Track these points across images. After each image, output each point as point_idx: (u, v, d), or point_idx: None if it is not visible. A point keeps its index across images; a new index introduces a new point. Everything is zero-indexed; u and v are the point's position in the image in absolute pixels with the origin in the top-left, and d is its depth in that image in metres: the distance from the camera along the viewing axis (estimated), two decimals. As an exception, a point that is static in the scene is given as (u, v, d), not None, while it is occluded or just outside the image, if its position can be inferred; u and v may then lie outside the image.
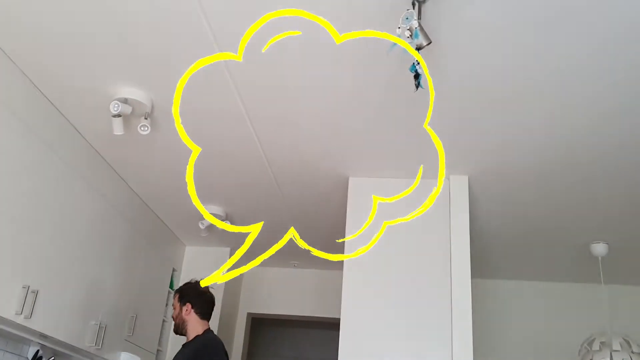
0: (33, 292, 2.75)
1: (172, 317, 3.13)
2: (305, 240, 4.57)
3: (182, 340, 3.10)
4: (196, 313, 3.04)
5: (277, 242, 4.66)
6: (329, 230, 4.27)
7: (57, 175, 2.98)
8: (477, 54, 2.34)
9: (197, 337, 3.00)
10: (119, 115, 2.76)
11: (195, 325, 3.03)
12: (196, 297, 3.08)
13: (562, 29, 2.17)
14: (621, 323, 4.57)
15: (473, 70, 2.45)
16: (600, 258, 4.13)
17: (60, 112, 2.97)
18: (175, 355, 2.99)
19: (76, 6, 2.23)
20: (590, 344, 3.95)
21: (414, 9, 1.97)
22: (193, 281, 3.20)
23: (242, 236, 4.57)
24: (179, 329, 3.07)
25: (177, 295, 3.13)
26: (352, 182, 3.52)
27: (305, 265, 5.19)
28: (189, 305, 3.05)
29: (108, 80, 2.69)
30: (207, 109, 2.87)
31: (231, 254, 4.87)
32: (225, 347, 4.81)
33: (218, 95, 2.75)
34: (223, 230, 4.22)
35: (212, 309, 3.14)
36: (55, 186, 2.97)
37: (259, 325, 6.60)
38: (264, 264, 5.26)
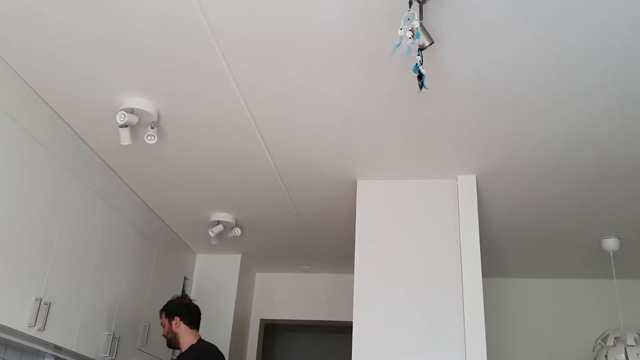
0: (46, 304, 2.77)
1: (163, 334, 3.32)
2: (316, 245, 4.57)
3: None
4: (185, 324, 3.24)
5: (287, 248, 4.67)
6: (340, 234, 4.27)
7: (66, 187, 3.00)
8: (483, 53, 2.34)
9: (192, 345, 3.18)
10: (125, 126, 2.77)
11: (187, 336, 3.21)
12: (182, 309, 3.28)
13: (569, 27, 2.16)
14: (635, 318, 4.53)
15: (479, 70, 2.45)
16: (611, 253, 4.10)
17: (67, 124, 2.99)
18: None
19: (79, 17, 2.24)
20: (605, 339, 3.93)
21: (410, 8, 1.97)
22: (175, 297, 3.39)
23: (253, 243, 4.58)
24: (172, 343, 3.26)
25: (164, 313, 3.32)
26: (361, 185, 3.52)
27: (317, 269, 5.19)
28: (177, 319, 3.24)
29: (113, 90, 2.70)
30: (212, 116, 2.88)
31: (242, 260, 4.88)
32: (239, 354, 4.86)
33: (223, 101, 2.76)
34: (233, 238, 4.23)
35: (200, 318, 3.33)
36: (64, 197, 2.98)
37: (272, 331, 6.61)
38: (275, 270, 5.26)
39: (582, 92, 2.55)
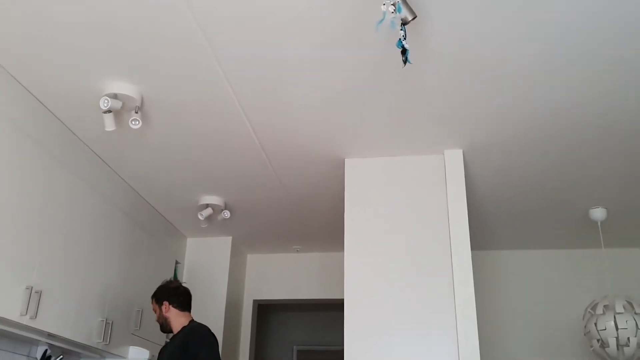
0: (37, 292, 2.76)
1: (156, 320, 3.30)
2: (306, 225, 4.58)
3: None
4: (175, 307, 3.23)
5: (277, 228, 4.68)
6: (330, 214, 4.28)
7: (52, 175, 2.98)
8: (466, 27, 2.33)
9: (183, 327, 3.18)
10: (109, 111, 2.75)
11: (178, 319, 3.21)
12: (170, 292, 3.27)
13: (547, -5, 2.16)
14: (623, 286, 4.59)
15: (462, 44, 2.44)
16: (599, 223, 4.14)
17: (51, 111, 2.96)
18: (164, 349, 3.17)
19: (57, 2, 2.21)
20: (594, 308, 3.98)
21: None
22: (163, 282, 3.39)
23: (243, 225, 4.58)
24: (165, 327, 3.24)
25: (153, 299, 3.30)
26: (348, 164, 3.52)
27: (308, 249, 5.21)
28: (166, 303, 3.24)
29: (96, 76, 2.67)
30: (197, 99, 2.86)
31: (233, 242, 4.88)
32: (233, 336, 4.89)
33: (207, 84, 2.74)
34: (223, 220, 4.23)
35: (190, 300, 3.32)
36: (51, 186, 2.96)
37: (266, 311, 6.65)
38: (266, 251, 5.28)
39: (566, 64, 2.55)
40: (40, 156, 2.88)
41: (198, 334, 3.13)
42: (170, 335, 3.29)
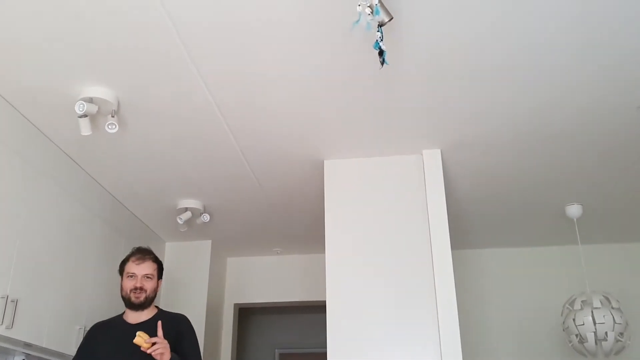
0: (12, 301, 2.71)
1: (148, 288, 2.84)
2: (286, 227, 4.57)
3: None
4: None
5: (257, 231, 4.66)
6: (310, 215, 4.28)
7: (27, 182, 2.93)
8: (443, 27, 2.34)
9: (158, 314, 2.90)
10: (85, 116, 2.72)
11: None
12: None
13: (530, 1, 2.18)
14: (600, 281, 4.66)
15: (440, 44, 2.45)
16: (575, 219, 4.20)
17: (25, 117, 2.91)
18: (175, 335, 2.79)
19: (30, 5, 2.17)
20: (572, 303, 4.03)
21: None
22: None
23: (223, 228, 4.55)
24: (147, 303, 2.85)
25: (157, 267, 2.93)
26: (328, 165, 3.52)
27: (288, 251, 5.19)
28: (161, 281, 2.98)
29: (70, 80, 2.64)
30: (174, 102, 2.84)
31: (213, 246, 4.85)
32: (214, 340, 4.86)
33: (184, 87, 2.72)
34: (202, 224, 4.20)
35: None
36: (26, 192, 2.91)
37: (247, 315, 6.62)
38: (246, 253, 5.25)
39: (542, 64, 2.58)
40: (15, 162, 2.83)
41: (188, 323, 2.93)
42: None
